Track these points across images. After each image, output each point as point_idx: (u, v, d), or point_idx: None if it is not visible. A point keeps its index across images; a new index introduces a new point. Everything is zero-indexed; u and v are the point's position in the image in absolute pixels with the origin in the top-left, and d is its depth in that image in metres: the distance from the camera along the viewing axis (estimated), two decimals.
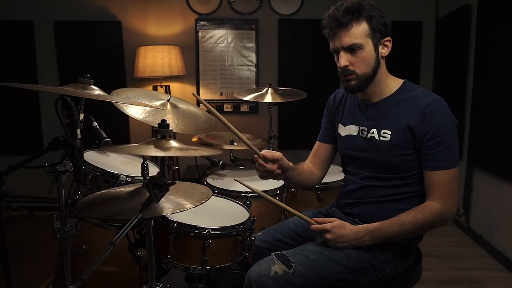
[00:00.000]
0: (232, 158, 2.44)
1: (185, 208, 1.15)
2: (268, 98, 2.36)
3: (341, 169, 1.61)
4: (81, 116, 1.22)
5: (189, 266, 1.42)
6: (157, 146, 1.17)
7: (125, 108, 1.71)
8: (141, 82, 3.70)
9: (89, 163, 1.61)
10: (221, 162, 2.26)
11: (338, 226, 1.34)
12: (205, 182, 2.12)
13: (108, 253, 1.02)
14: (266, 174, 1.43)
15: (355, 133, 1.47)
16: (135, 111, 1.71)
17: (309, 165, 1.64)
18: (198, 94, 3.88)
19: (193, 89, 3.89)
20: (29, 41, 3.66)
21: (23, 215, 3.57)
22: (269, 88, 2.40)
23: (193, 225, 1.41)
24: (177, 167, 3.21)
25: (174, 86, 3.78)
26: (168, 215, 1.39)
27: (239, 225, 1.45)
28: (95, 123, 1.79)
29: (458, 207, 3.37)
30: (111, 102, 1.34)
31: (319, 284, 1.30)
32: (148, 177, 1.14)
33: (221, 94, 3.90)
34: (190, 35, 3.81)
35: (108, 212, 1.23)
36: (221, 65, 3.88)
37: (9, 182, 1.01)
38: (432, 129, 1.28)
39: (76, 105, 1.09)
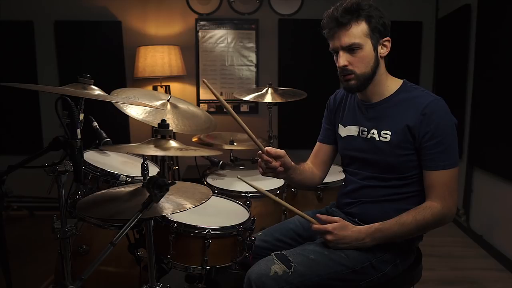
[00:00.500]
0: (232, 158, 2.44)
1: (185, 208, 1.15)
2: (268, 98, 2.36)
3: (341, 169, 1.61)
4: (81, 116, 1.21)
5: (189, 266, 1.42)
6: (157, 146, 1.17)
7: (125, 108, 1.71)
8: (141, 82, 3.70)
9: (89, 163, 1.61)
10: (221, 162, 2.26)
11: (339, 228, 1.33)
12: (205, 182, 2.12)
13: (108, 253, 1.02)
14: (268, 171, 1.41)
15: (355, 134, 1.47)
16: (135, 111, 1.71)
17: (310, 166, 1.64)
18: (198, 94, 3.89)
19: (193, 89, 3.89)
20: (29, 41, 3.66)
21: (23, 215, 3.57)
22: (269, 88, 2.40)
23: (193, 225, 1.41)
24: (177, 167, 3.22)
25: (174, 86, 3.78)
26: (168, 215, 1.40)
27: (239, 225, 1.45)
28: (95, 123, 1.79)
29: (458, 207, 3.37)
30: (111, 102, 1.34)
31: (319, 284, 1.30)
32: (148, 177, 1.13)
33: (221, 94, 3.90)
34: (190, 35, 3.81)
35: (108, 212, 1.23)
36: (221, 65, 3.88)
37: (9, 182, 1.01)
38: (431, 130, 1.29)
39: (76, 105, 1.09)
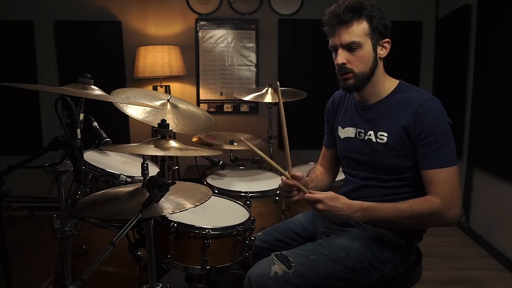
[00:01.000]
0: (232, 158, 2.45)
1: (185, 208, 1.15)
2: (268, 98, 2.36)
3: (341, 169, 1.62)
4: (81, 116, 1.21)
5: (189, 266, 1.42)
6: (157, 146, 1.17)
7: (125, 108, 1.71)
8: (141, 82, 3.70)
9: (89, 163, 1.61)
10: (221, 162, 2.27)
11: (330, 198, 1.29)
12: (205, 182, 2.12)
13: (108, 253, 1.02)
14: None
15: (353, 135, 1.47)
16: (135, 111, 1.72)
17: (321, 170, 1.67)
18: (198, 94, 3.88)
19: (193, 89, 3.89)
20: (29, 41, 3.66)
21: (23, 215, 3.57)
22: (269, 88, 2.40)
23: (193, 225, 1.41)
24: (177, 167, 3.21)
25: (174, 86, 3.78)
26: (168, 215, 1.40)
27: (239, 225, 1.45)
28: (95, 123, 1.79)
29: None
30: (111, 102, 1.34)
31: (319, 284, 1.30)
32: (148, 177, 1.13)
33: (221, 94, 3.90)
34: (190, 35, 3.81)
35: (108, 212, 1.23)
36: (221, 65, 3.88)
37: (9, 182, 1.01)
38: (425, 128, 1.28)
39: (76, 105, 1.09)
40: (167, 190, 1.08)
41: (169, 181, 1.09)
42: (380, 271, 1.36)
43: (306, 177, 1.48)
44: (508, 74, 2.63)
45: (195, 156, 2.34)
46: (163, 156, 1.29)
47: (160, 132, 1.22)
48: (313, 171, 1.64)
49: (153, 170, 1.82)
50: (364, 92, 1.40)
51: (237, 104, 3.89)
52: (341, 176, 1.68)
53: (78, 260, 1.64)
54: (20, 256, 2.68)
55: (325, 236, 1.45)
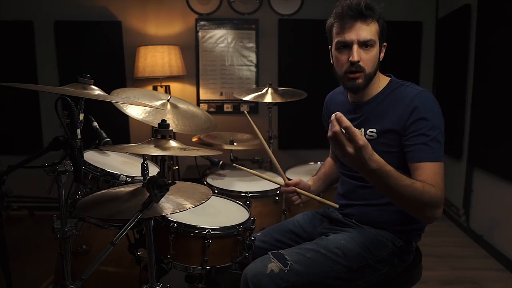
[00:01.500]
0: (232, 158, 2.44)
1: (185, 208, 1.15)
2: (268, 98, 2.36)
3: None
4: (81, 116, 1.21)
5: (189, 266, 1.42)
6: (157, 146, 1.17)
7: (125, 108, 1.71)
8: (141, 82, 3.70)
9: (89, 163, 1.61)
10: (221, 162, 2.27)
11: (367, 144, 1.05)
12: (205, 182, 2.12)
13: (108, 253, 1.02)
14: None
15: None
16: (135, 111, 1.72)
17: (330, 162, 1.72)
18: (198, 94, 3.89)
19: (193, 89, 3.89)
20: (29, 41, 3.66)
21: (23, 215, 3.57)
22: (269, 88, 2.40)
23: (193, 225, 1.41)
24: (177, 167, 3.21)
25: (174, 86, 3.78)
26: (168, 215, 1.39)
27: (239, 225, 1.45)
28: (95, 123, 1.79)
29: (458, 207, 3.37)
30: (111, 102, 1.34)
31: (315, 282, 1.30)
32: (148, 177, 1.13)
33: (221, 94, 3.90)
34: (190, 35, 3.81)
35: (108, 212, 1.23)
36: (221, 65, 3.88)
37: (9, 182, 1.01)
38: (415, 121, 1.25)
39: (76, 105, 1.09)
40: (167, 190, 1.08)
41: (169, 181, 1.09)
42: (378, 271, 1.36)
43: (315, 175, 1.64)
44: (508, 74, 2.63)
45: (195, 156, 2.34)
46: (163, 156, 1.29)
47: (160, 132, 1.22)
48: (322, 166, 1.72)
49: (153, 170, 1.82)
50: (361, 92, 1.39)
51: (237, 104, 3.89)
52: None
53: (78, 260, 1.64)
54: (20, 256, 2.68)
55: (323, 236, 1.45)
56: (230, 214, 1.61)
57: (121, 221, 1.30)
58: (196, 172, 2.41)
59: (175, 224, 1.41)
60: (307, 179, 1.66)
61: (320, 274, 1.30)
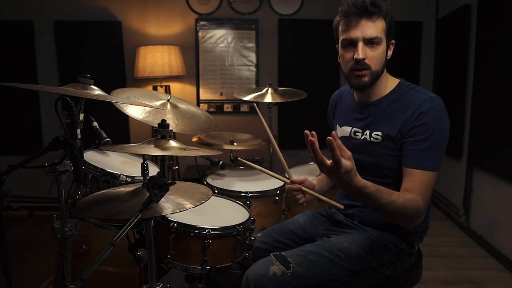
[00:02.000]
0: (232, 158, 2.44)
1: (185, 208, 1.15)
2: (268, 98, 2.36)
3: None
4: (81, 116, 1.21)
5: (189, 266, 1.42)
6: (157, 146, 1.17)
7: (125, 108, 1.71)
8: (141, 82, 3.70)
9: (89, 163, 1.61)
10: (221, 162, 2.27)
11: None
12: (205, 182, 2.12)
13: (108, 253, 1.02)
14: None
15: (348, 135, 1.46)
16: (135, 111, 1.72)
17: None
18: (198, 94, 3.89)
19: (193, 89, 3.89)
20: (29, 41, 3.66)
21: (23, 215, 3.57)
22: (269, 88, 2.40)
23: (193, 225, 1.41)
24: (177, 167, 3.21)
25: (174, 86, 3.78)
26: (168, 215, 1.39)
27: (239, 225, 1.45)
28: (95, 123, 1.79)
29: (458, 207, 3.37)
30: (111, 102, 1.34)
31: (318, 285, 1.30)
32: (148, 177, 1.13)
33: (221, 94, 3.90)
34: (190, 35, 3.81)
35: (108, 212, 1.22)
36: (221, 65, 3.88)
37: (9, 182, 1.01)
38: (418, 126, 1.25)
39: (76, 105, 1.09)
40: (167, 190, 1.08)
41: (169, 181, 1.09)
42: (380, 274, 1.36)
43: (319, 175, 1.63)
44: (508, 74, 2.63)
45: (195, 156, 2.34)
46: (163, 156, 1.29)
47: (160, 132, 1.22)
48: None
49: (153, 170, 1.82)
50: (368, 92, 1.38)
51: (237, 104, 3.89)
52: None
53: (78, 260, 1.64)
54: (20, 256, 2.68)
55: (325, 237, 1.45)
56: (230, 214, 1.61)
57: (121, 221, 1.30)
58: (196, 172, 2.41)
59: (175, 224, 1.41)
60: (311, 179, 1.65)
61: (322, 277, 1.30)
